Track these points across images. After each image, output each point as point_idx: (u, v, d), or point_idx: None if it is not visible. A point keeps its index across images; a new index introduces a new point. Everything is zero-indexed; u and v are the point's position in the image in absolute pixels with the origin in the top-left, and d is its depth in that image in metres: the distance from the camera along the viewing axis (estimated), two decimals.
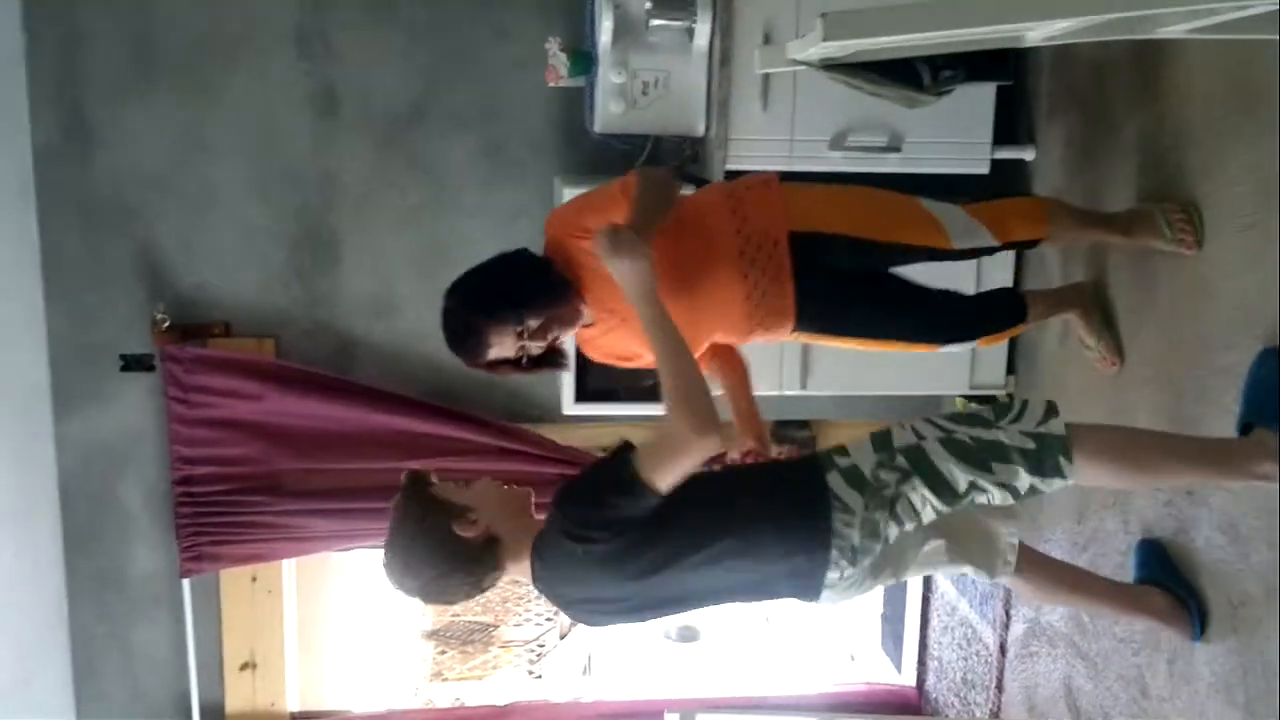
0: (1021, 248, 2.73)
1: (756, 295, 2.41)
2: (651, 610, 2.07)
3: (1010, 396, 2.02)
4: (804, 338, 2.63)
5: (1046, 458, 1.97)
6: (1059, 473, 1.98)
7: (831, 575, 1.99)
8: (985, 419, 2.01)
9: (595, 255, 2.01)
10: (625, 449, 1.88)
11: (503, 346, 2.26)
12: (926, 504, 1.98)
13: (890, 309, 2.60)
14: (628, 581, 1.96)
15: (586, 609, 2.09)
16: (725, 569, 1.97)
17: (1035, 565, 2.39)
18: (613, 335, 2.44)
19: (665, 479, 1.84)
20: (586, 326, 2.43)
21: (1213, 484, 2.20)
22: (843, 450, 2.02)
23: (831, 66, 2.08)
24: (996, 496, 2.00)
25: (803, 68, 2.16)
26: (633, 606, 2.04)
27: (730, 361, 2.63)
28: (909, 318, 2.63)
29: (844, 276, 2.49)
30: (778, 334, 2.54)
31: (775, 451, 2.69)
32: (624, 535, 1.89)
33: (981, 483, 1.97)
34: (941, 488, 1.96)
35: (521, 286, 2.28)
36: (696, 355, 2.54)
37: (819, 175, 3.01)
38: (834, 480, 1.96)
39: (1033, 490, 2.00)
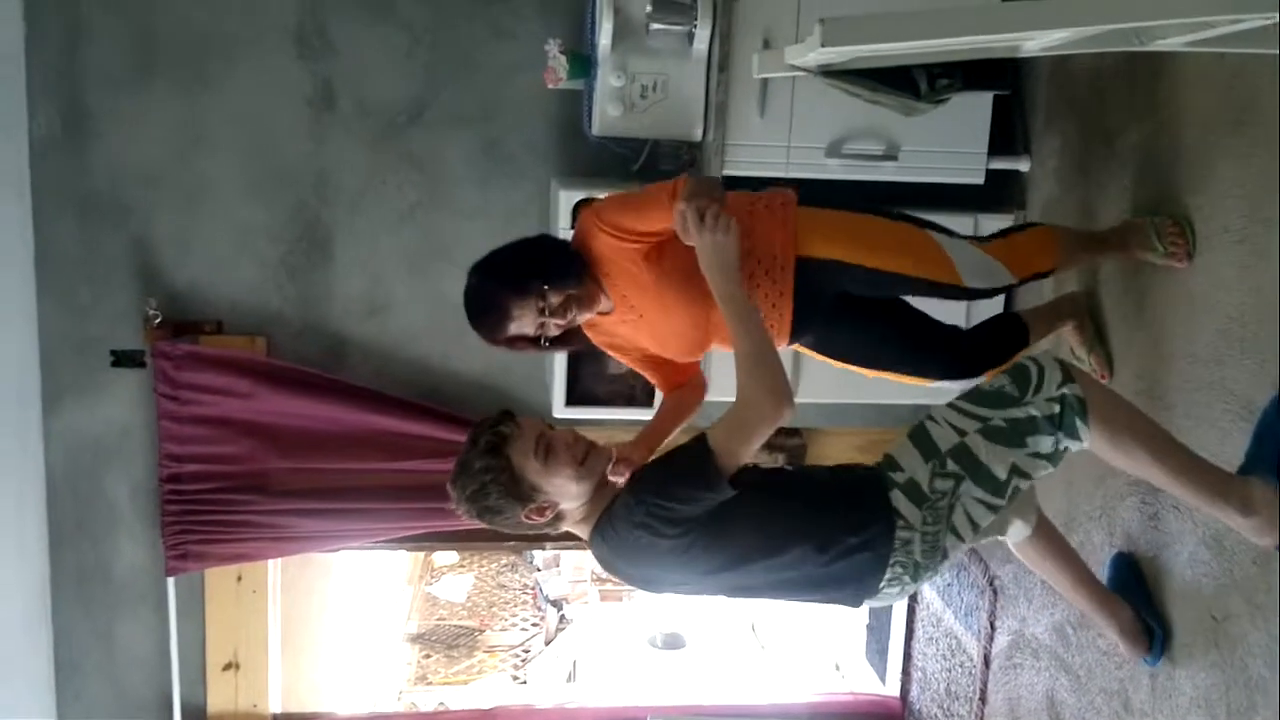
0: (1036, 279, 2.68)
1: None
2: (712, 593, 2.16)
3: (1026, 362, 2.04)
4: (799, 349, 2.65)
5: (1066, 419, 2.01)
6: (1076, 435, 2.02)
7: (891, 590, 2.07)
8: (1012, 396, 2.02)
9: (677, 228, 2.09)
10: (701, 438, 1.93)
11: (523, 322, 2.29)
12: (981, 509, 2.03)
13: (887, 342, 2.60)
14: (695, 574, 2.05)
15: (644, 582, 2.17)
16: (792, 574, 2.05)
17: (1045, 530, 2.49)
18: (625, 328, 2.46)
19: (742, 452, 1.92)
20: (603, 314, 2.44)
21: (1196, 505, 2.22)
22: (893, 464, 2.06)
23: (829, 73, 2.09)
24: (1038, 474, 2.05)
25: (801, 74, 2.17)
26: (694, 590, 2.15)
27: (689, 397, 2.61)
28: (907, 352, 2.63)
29: (846, 305, 2.50)
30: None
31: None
32: (692, 534, 1.96)
33: (1021, 465, 2.01)
34: (991, 483, 2.01)
35: (545, 262, 2.31)
36: (696, 359, 2.57)
37: (816, 183, 3.03)
38: (897, 498, 2.01)
39: (1056, 454, 2.04)
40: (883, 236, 2.42)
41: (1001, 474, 2.01)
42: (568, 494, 2.02)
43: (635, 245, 2.30)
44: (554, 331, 2.34)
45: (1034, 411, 2.00)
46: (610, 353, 2.62)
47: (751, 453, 1.93)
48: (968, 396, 2.09)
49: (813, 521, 2.02)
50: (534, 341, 2.36)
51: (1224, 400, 2.36)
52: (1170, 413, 2.55)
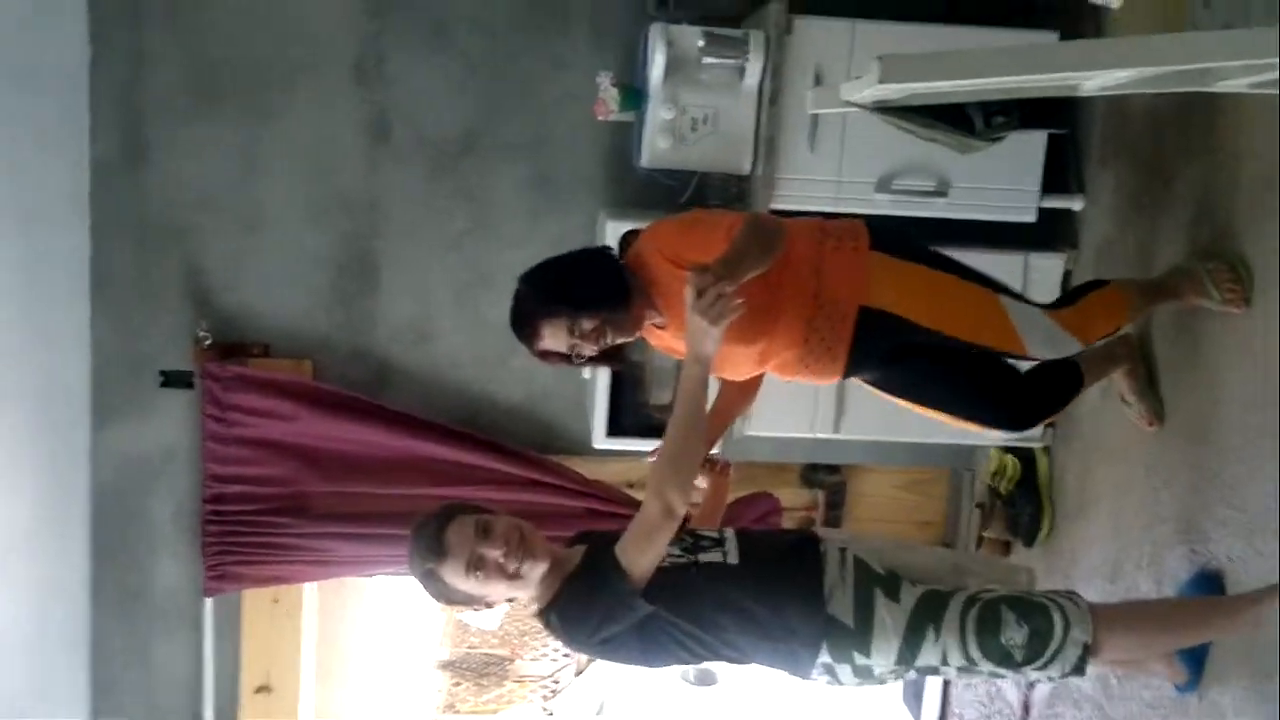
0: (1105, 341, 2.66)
1: (809, 358, 2.40)
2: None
3: (1053, 617, 2.06)
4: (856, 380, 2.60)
5: (1067, 670, 2.06)
6: (1079, 672, 2.07)
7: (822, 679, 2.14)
8: (1015, 661, 2.04)
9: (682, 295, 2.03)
10: (612, 555, 1.99)
11: (555, 340, 2.29)
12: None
13: (945, 384, 2.53)
14: (647, 660, 2.16)
15: (603, 656, 2.28)
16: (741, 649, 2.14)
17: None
18: (679, 341, 2.40)
19: (645, 563, 1.99)
20: (658, 326, 2.43)
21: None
22: (862, 643, 2.05)
23: (885, 109, 2.09)
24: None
25: (855, 109, 2.16)
26: (654, 666, 2.21)
27: (741, 397, 2.61)
28: (964, 397, 2.55)
29: (905, 350, 2.43)
30: (823, 381, 2.54)
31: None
32: (624, 647, 2.07)
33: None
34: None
35: (584, 286, 2.28)
36: (751, 377, 2.53)
37: (866, 218, 3.01)
38: (833, 653, 2.07)
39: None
40: (956, 303, 2.36)
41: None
42: (509, 596, 2.05)
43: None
44: (587, 352, 2.31)
45: (1024, 678, 2.13)
46: (665, 353, 2.62)
47: (654, 560, 1.99)
48: (979, 643, 2.05)
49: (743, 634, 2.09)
50: (566, 358, 2.33)
51: (1275, 443, 2.31)
52: (1222, 459, 2.50)
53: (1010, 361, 2.52)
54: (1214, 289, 2.46)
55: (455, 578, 1.98)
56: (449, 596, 2.02)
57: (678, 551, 2.07)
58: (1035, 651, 2.02)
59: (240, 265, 3.37)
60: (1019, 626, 2.01)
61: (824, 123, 3.03)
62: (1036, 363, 2.55)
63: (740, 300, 1.95)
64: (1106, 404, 3.01)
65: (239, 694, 3.49)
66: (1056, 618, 2.02)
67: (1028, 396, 2.59)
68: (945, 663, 2.05)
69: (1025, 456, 3.40)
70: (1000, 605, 2.03)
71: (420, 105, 3.37)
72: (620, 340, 2.35)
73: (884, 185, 3.08)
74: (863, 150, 3.05)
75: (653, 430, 3.27)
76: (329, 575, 3.45)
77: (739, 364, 2.44)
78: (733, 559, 2.08)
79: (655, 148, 3.09)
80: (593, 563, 2.03)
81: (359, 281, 3.42)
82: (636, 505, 3.34)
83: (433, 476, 3.35)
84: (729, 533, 2.18)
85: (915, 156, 3.04)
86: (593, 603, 2.01)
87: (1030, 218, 3.16)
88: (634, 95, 3.16)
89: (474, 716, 6.59)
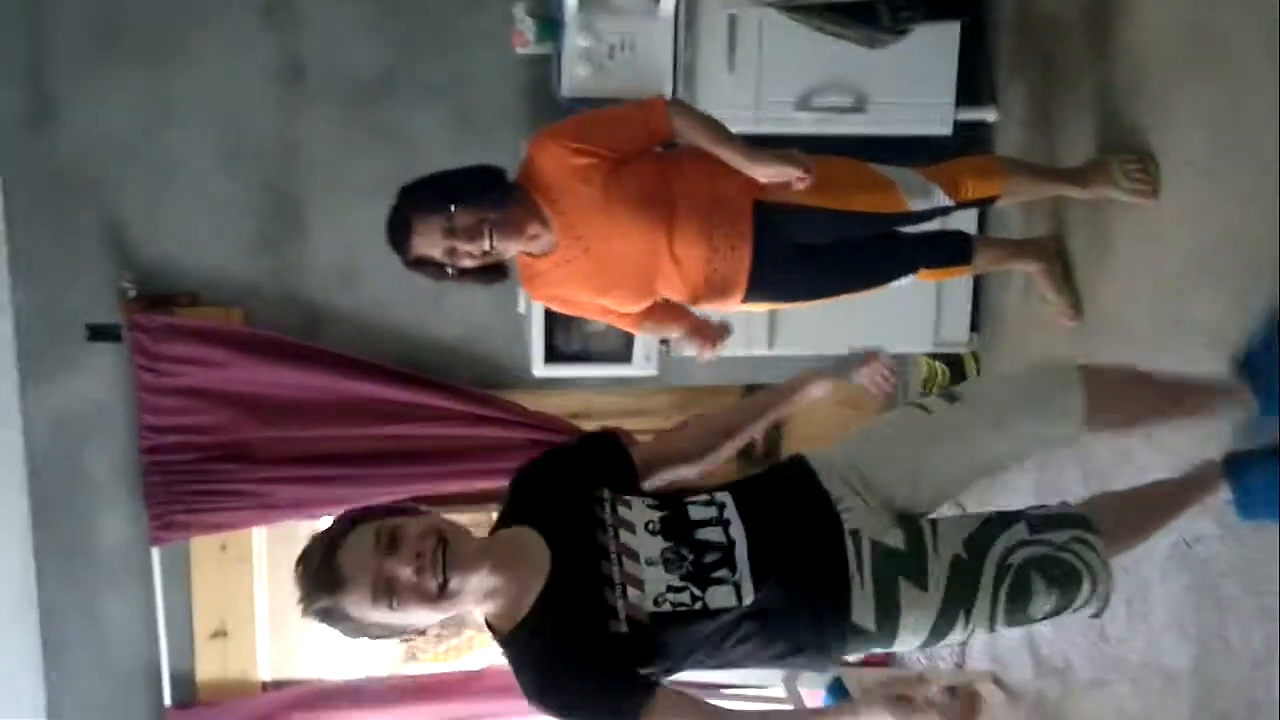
0: (980, 205, 2.75)
1: (717, 261, 2.42)
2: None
3: (1080, 572, 1.80)
4: (749, 307, 2.64)
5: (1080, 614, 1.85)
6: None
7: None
8: (1033, 622, 1.81)
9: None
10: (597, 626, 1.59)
11: (429, 242, 2.22)
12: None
13: (840, 272, 2.62)
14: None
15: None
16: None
17: (1104, 409, 1.93)
18: (569, 268, 2.39)
19: None
20: (542, 256, 2.39)
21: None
22: (888, 643, 1.74)
23: (794, 7, 2.11)
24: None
25: (768, 8, 2.17)
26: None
27: (664, 307, 2.60)
28: (858, 275, 2.65)
29: (798, 248, 2.50)
30: (725, 304, 2.55)
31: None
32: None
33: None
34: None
35: (458, 181, 2.25)
36: (644, 307, 2.53)
37: (786, 138, 3.06)
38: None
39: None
40: (836, 176, 2.43)
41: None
42: (444, 617, 1.59)
43: (593, 161, 2.26)
44: (465, 260, 2.24)
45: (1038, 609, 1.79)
46: (558, 307, 2.57)
47: None
48: (1006, 618, 1.76)
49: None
50: (441, 268, 2.26)
51: (1191, 331, 2.41)
52: (1139, 345, 2.60)
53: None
54: (1124, 178, 2.54)
55: (362, 609, 1.52)
56: (366, 632, 1.56)
57: (678, 582, 1.62)
58: (1055, 613, 1.80)
59: (160, 215, 3.31)
60: (1048, 595, 1.75)
61: (741, 44, 3.05)
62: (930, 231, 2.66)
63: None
64: (1028, 305, 3.11)
65: (194, 640, 3.49)
66: (1085, 584, 1.77)
67: (910, 247, 2.66)
68: (966, 637, 1.79)
69: (953, 362, 3.49)
70: (1032, 574, 1.74)
71: (334, 46, 3.33)
72: (500, 246, 2.25)
73: (803, 104, 3.12)
74: (780, 70, 3.08)
75: (590, 357, 3.31)
76: (275, 520, 3.45)
77: (635, 263, 2.38)
78: (747, 595, 1.64)
79: (575, 77, 3.09)
80: (588, 640, 1.58)
81: (284, 227, 3.39)
82: (580, 434, 3.42)
83: (373, 417, 3.36)
84: (735, 525, 1.71)
85: (833, 74, 3.07)
86: (584, 695, 1.60)
87: (947, 130, 3.21)
88: (551, 26, 3.15)
89: (435, 664, 6.64)
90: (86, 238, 3.28)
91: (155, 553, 3.37)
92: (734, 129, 2.99)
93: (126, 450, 3.36)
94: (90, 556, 3.42)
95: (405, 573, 1.50)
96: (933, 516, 1.85)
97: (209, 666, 3.51)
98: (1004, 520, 1.80)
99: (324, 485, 3.32)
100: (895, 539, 1.75)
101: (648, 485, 1.86)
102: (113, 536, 3.42)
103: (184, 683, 3.50)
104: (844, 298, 2.67)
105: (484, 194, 2.23)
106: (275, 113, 3.33)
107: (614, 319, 2.60)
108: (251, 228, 3.37)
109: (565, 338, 3.25)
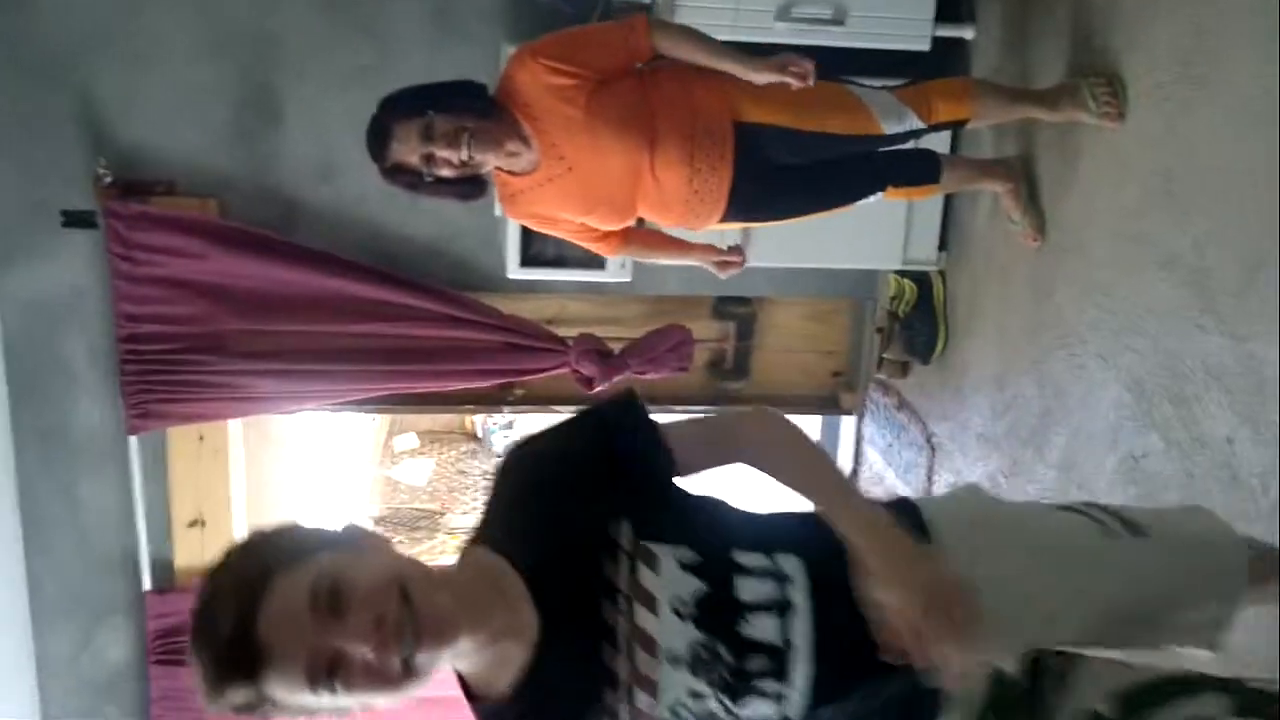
0: (951, 127, 2.78)
1: (698, 181, 2.44)
2: None
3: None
4: (723, 226, 2.67)
5: None
6: None
7: None
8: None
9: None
10: None
11: (407, 148, 2.22)
12: None
13: (812, 192, 2.65)
14: None
15: None
16: None
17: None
18: (550, 187, 2.41)
19: None
20: (524, 175, 2.41)
21: None
22: None
23: None
24: None
25: None
26: None
27: (645, 231, 2.66)
28: (829, 194, 2.68)
29: (775, 168, 2.53)
30: (703, 223, 2.59)
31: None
32: None
33: None
34: None
35: (439, 90, 2.26)
36: (621, 227, 2.57)
37: (763, 47, 3.06)
38: None
39: None
40: (812, 97, 2.44)
41: None
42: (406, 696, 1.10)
43: (574, 81, 2.27)
44: (442, 169, 2.23)
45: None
46: (536, 226, 2.58)
47: None
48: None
49: None
50: (418, 177, 2.25)
51: (1145, 249, 2.47)
52: (1091, 261, 2.67)
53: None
54: (1092, 101, 2.57)
55: (295, 692, 1.06)
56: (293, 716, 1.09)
57: (704, 688, 1.19)
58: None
59: (137, 101, 3.29)
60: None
61: None
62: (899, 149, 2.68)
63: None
64: (994, 225, 3.16)
65: (171, 529, 3.57)
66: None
67: (880, 164, 2.68)
68: None
69: (921, 280, 3.56)
70: None
71: None
72: (478, 157, 2.25)
73: (783, 13, 3.10)
74: None
75: (564, 262, 3.35)
76: (250, 412, 3.51)
77: (618, 181, 2.40)
78: (795, 715, 1.21)
79: None
80: None
81: (261, 118, 3.37)
82: (554, 339, 3.48)
83: (348, 314, 3.39)
84: (800, 617, 1.21)
85: None
86: None
87: (924, 46, 3.22)
88: None
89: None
90: (61, 122, 3.26)
91: (133, 441, 3.43)
92: (714, 36, 3.04)
93: (103, 338, 3.39)
94: (68, 440, 3.48)
95: (358, 651, 1.04)
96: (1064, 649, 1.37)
97: (187, 553, 3.60)
98: (1193, 684, 1.29)
99: (298, 380, 3.37)
100: (1011, 668, 1.30)
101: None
102: (90, 422, 3.47)
103: (163, 569, 3.59)
104: (814, 216, 2.71)
105: (464, 103, 2.24)
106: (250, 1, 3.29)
107: (591, 240, 2.62)
108: (229, 117, 3.35)
109: (540, 241, 3.28)
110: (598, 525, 1.20)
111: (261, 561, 1.08)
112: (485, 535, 1.25)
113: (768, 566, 1.22)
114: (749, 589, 1.21)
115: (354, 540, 1.15)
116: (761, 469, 1.26)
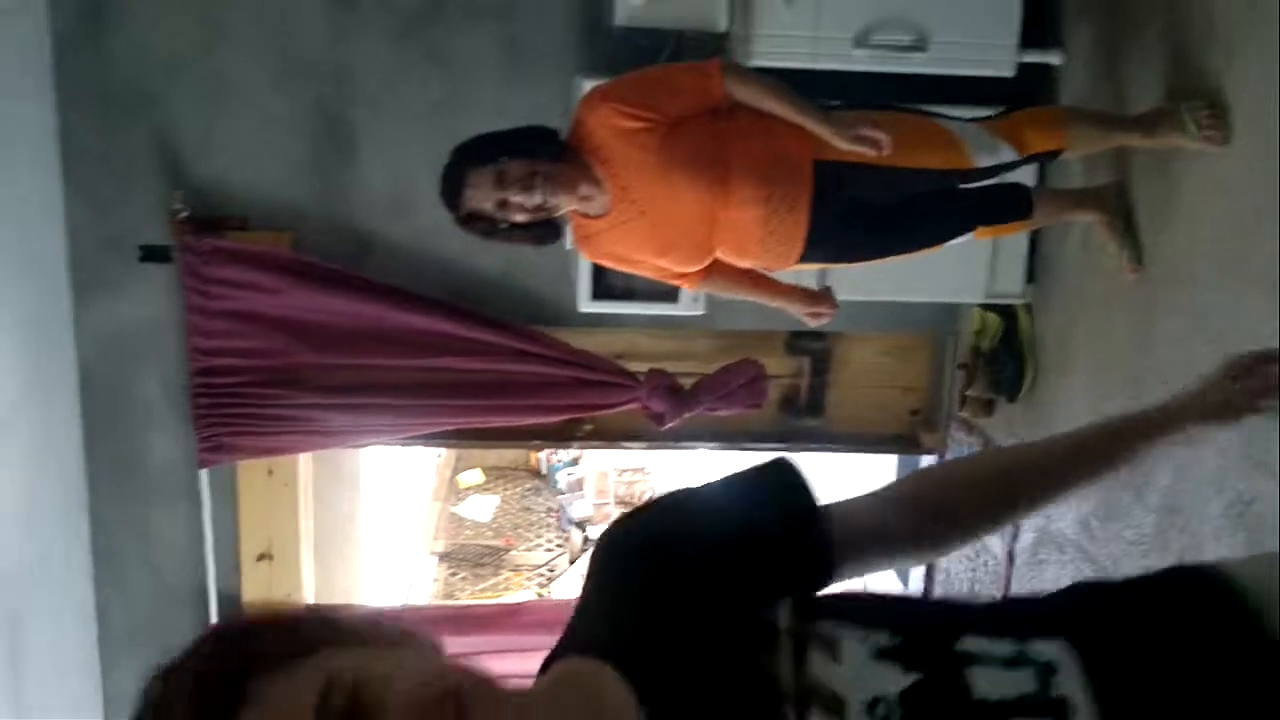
0: (1044, 159, 2.67)
1: (774, 221, 2.37)
2: None
3: None
4: (803, 267, 2.58)
5: None
6: None
7: None
8: None
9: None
10: None
11: (481, 195, 2.22)
12: None
13: (899, 233, 2.56)
14: None
15: None
16: None
17: None
18: (624, 229, 2.38)
19: None
20: (597, 218, 2.38)
21: None
22: None
23: None
24: None
25: None
26: None
27: (730, 267, 2.55)
28: (917, 235, 2.59)
29: (858, 207, 2.44)
30: (781, 264, 2.50)
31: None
32: None
33: None
34: None
35: (511, 135, 2.26)
36: (700, 267, 2.48)
37: (843, 75, 2.99)
38: None
39: None
40: (903, 132, 2.35)
41: None
42: None
43: (646, 125, 2.23)
44: (516, 214, 2.22)
45: None
46: (612, 265, 2.54)
47: None
48: None
49: None
50: (494, 224, 2.25)
51: (1252, 279, 2.33)
52: (1194, 293, 2.53)
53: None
54: (1192, 124, 2.45)
55: None
56: None
57: None
58: None
59: (212, 136, 3.32)
60: None
61: None
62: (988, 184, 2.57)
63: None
64: (1087, 256, 3.03)
65: (240, 562, 3.56)
66: None
67: (970, 204, 2.59)
68: None
69: (1007, 313, 3.43)
70: None
71: None
72: (552, 201, 2.23)
73: (862, 40, 3.03)
74: (840, 4, 3.00)
75: (636, 295, 3.29)
76: (321, 446, 3.50)
77: (692, 226, 2.35)
78: None
79: (629, 5, 3.03)
80: None
81: (335, 152, 3.38)
82: (624, 374, 3.42)
83: (418, 348, 3.37)
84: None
85: (893, 10, 2.99)
86: None
87: (1009, 72, 3.12)
88: None
89: (473, 602, 6.76)
90: (139, 156, 3.30)
91: (204, 474, 3.43)
92: (789, 64, 2.98)
93: (177, 371, 3.41)
94: (140, 473, 3.49)
95: None
96: None
97: (255, 587, 3.58)
98: None
99: (368, 414, 3.35)
100: None
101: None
102: (162, 454, 3.49)
103: (230, 602, 3.58)
104: (900, 259, 2.61)
105: (536, 146, 2.23)
106: (326, 35, 3.31)
107: (673, 279, 2.57)
108: (303, 150, 3.37)
109: (611, 274, 3.23)
110: (747, 609, 0.83)
111: (242, 656, 0.69)
112: (579, 641, 0.87)
113: (1015, 652, 0.82)
114: (989, 680, 0.79)
115: (389, 634, 0.75)
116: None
